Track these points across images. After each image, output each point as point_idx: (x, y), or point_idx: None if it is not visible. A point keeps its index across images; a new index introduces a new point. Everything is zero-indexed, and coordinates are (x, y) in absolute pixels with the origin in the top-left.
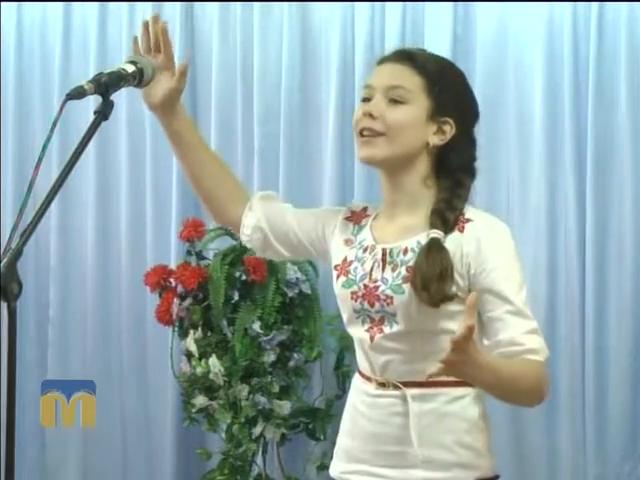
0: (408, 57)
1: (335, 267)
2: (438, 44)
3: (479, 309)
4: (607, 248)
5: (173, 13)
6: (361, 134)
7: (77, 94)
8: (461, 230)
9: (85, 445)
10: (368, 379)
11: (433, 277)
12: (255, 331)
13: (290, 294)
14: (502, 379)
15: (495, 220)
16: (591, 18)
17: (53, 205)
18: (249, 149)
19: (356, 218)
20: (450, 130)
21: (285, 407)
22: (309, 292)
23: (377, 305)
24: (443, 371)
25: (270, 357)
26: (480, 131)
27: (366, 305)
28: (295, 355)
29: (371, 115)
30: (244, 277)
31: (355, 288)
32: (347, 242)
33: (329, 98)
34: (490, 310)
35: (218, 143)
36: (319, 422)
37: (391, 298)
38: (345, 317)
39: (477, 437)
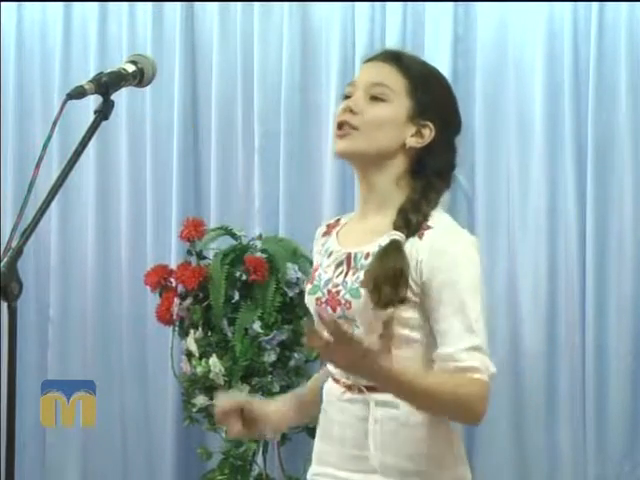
0: (394, 57)
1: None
2: (438, 44)
3: (430, 318)
4: (607, 248)
5: (173, 13)
6: (339, 128)
7: (77, 94)
8: (420, 237)
9: (85, 445)
10: (337, 381)
11: (386, 279)
12: (255, 331)
13: (290, 294)
14: (417, 391)
15: (457, 230)
16: (591, 18)
17: (53, 205)
18: (249, 148)
19: (329, 230)
20: (429, 134)
21: None
22: None
23: (338, 310)
24: (322, 349)
25: (270, 357)
26: (480, 130)
27: (329, 310)
28: (295, 355)
29: (351, 110)
30: (244, 277)
31: (319, 294)
32: (318, 252)
33: (329, 97)
34: (437, 321)
35: (219, 142)
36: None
37: (349, 302)
38: (316, 324)
39: (441, 447)
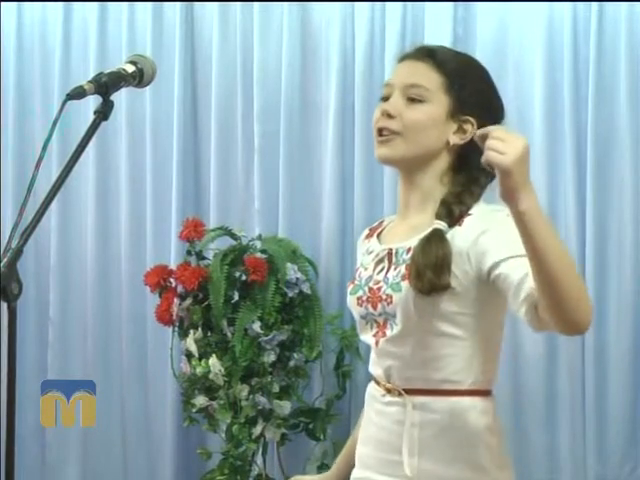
0: (428, 54)
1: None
2: (438, 44)
3: (498, 292)
4: (606, 248)
5: (173, 13)
6: (379, 133)
7: (77, 94)
8: (460, 224)
9: (85, 445)
10: (378, 384)
11: (428, 265)
12: (255, 331)
13: (290, 294)
14: (553, 232)
15: (495, 209)
16: (591, 18)
17: (53, 205)
18: (249, 148)
19: (372, 232)
20: (471, 129)
21: (285, 407)
22: (309, 292)
23: (379, 307)
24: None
25: (270, 357)
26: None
27: (370, 308)
28: (295, 355)
29: (389, 114)
30: (244, 277)
31: (360, 293)
32: (362, 254)
33: (329, 97)
34: (509, 277)
35: (218, 141)
36: (319, 422)
37: (390, 297)
38: (358, 326)
39: (481, 452)
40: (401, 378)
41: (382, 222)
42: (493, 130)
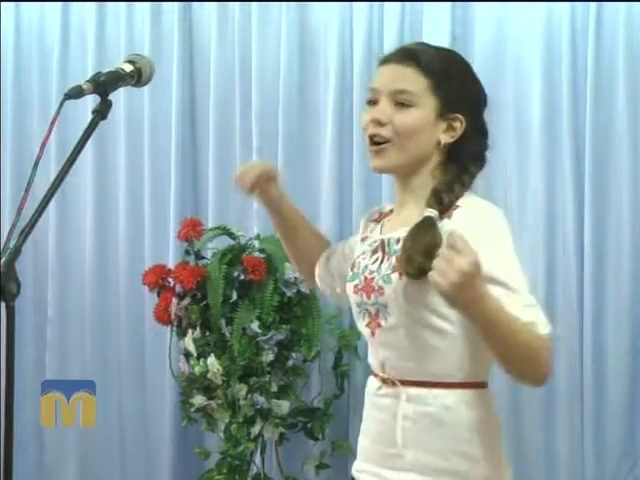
0: (411, 57)
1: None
2: (436, 44)
3: None
4: (605, 249)
5: (171, 13)
6: (372, 141)
7: (75, 94)
8: (449, 217)
9: (83, 445)
10: (375, 375)
11: (418, 251)
12: (253, 330)
13: (288, 293)
14: (501, 322)
15: (485, 205)
16: (589, 18)
17: (51, 204)
18: (247, 147)
19: (379, 217)
20: (460, 126)
21: (283, 406)
22: (307, 291)
23: (372, 297)
24: (436, 273)
25: (268, 356)
26: None
27: (364, 297)
28: (293, 354)
29: (379, 121)
30: (242, 276)
31: (357, 281)
32: (363, 239)
33: (327, 97)
34: None
35: (217, 141)
36: (317, 421)
37: (382, 288)
38: (353, 313)
39: (476, 445)
40: (396, 368)
41: (392, 210)
42: (446, 248)
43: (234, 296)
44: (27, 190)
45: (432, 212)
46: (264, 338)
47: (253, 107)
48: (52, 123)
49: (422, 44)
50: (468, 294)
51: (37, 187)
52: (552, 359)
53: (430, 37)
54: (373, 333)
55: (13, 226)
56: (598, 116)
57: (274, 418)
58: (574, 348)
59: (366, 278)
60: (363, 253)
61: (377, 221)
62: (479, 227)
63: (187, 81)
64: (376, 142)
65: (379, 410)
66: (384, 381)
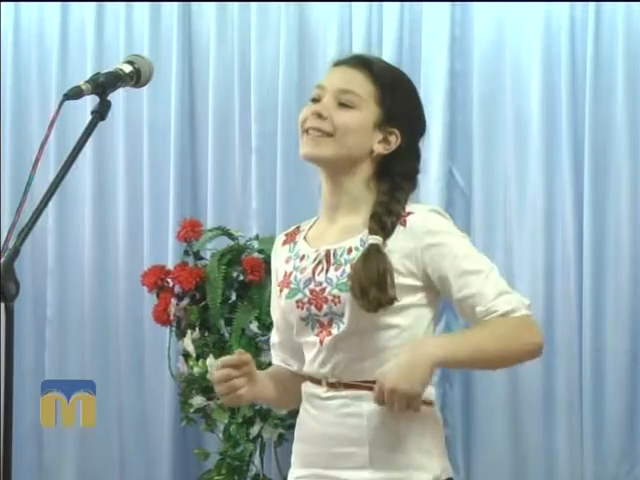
0: (364, 64)
1: (277, 285)
2: (436, 45)
3: (445, 297)
4: (604, 248)
5: (170, 13)
6: (307, 132)
7: (74, 94)
8: (404, 224)
9: (83, 445)
10: (318, 382)
11: (371, 283)
12: (252, 331)
13: None
14: (480, 346)
15: (431, 207)
16: (588, 18)
17: (50, 205)
18: (247, 147)
19: (290, 238)
20: (395, 140)
21: None
22: None
23: (325, 307)
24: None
25: (268, 357)
26: (478, 130)
27: (313, 310)
28: None
29: (320, 115)
30: (241, 277)
31: (300, 296)
32: (287, 260)
33: None
34: (457, 292)
35: (216, 141)
36: None
37: (338, 297)
38: (294, 329)
39: (431, 440)
40: (349, 371)
41: (298, 227)
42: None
43: (233, 297)
44: (26, 190)
45: (376, 239)
46: (263, 339)
47: (252, 107)
48: (51, 123)
49: (378, 57)
50: (418, 375)
51: (36, 187)
52: (536, 328)
53: (429, 37)
54: (322, 341)
55: (12, 226)
56: (597, 116)
57: (273, 419)
58: (573, 348)
59: (313, 290)
60: (295, 269)
61: (291, 241)
62: (436, 228)
63: (186, 82)
64: (312, 134)
65: (325, 412)
66: (332, 385)
